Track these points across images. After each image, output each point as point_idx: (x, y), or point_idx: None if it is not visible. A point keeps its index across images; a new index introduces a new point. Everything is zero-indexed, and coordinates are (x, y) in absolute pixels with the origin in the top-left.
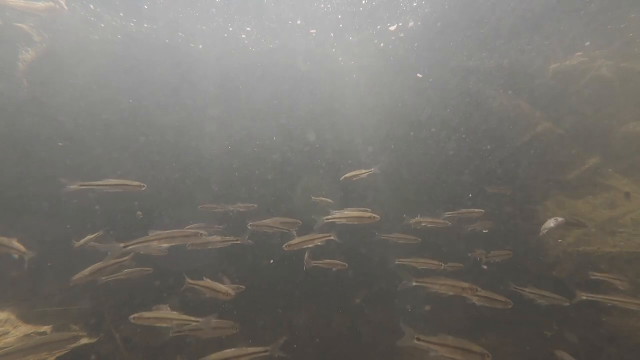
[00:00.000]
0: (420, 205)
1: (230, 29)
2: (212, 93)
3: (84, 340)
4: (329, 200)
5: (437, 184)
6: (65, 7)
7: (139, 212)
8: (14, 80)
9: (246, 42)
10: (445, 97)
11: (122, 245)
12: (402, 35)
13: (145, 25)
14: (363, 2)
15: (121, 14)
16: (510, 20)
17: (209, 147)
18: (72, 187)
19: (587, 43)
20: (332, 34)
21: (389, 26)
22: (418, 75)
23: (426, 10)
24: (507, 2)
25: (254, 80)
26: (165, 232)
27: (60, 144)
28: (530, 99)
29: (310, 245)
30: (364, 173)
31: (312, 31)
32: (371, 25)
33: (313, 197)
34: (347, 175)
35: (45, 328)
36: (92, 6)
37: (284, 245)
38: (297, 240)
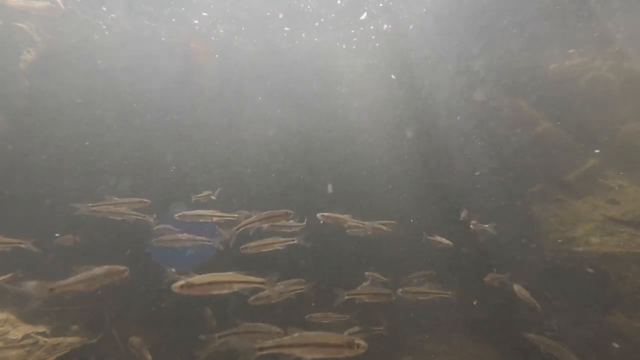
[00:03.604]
0: (415, 206)
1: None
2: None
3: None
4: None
5: (435, 184)
6: (63, 7)
7: None
8: (15, 80)
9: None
10: (442, 99)
11: (234, 229)
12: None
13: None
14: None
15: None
16: (510, 19)
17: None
18: None
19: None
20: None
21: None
22: (392, 76)
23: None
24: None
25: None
26: (265, 213)
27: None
28: (530, 99)
29: (269, 249)
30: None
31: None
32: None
33: (367, 273)
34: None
35: (45, 328)
36: None
37: (240, 247)
38: (255, 243)
